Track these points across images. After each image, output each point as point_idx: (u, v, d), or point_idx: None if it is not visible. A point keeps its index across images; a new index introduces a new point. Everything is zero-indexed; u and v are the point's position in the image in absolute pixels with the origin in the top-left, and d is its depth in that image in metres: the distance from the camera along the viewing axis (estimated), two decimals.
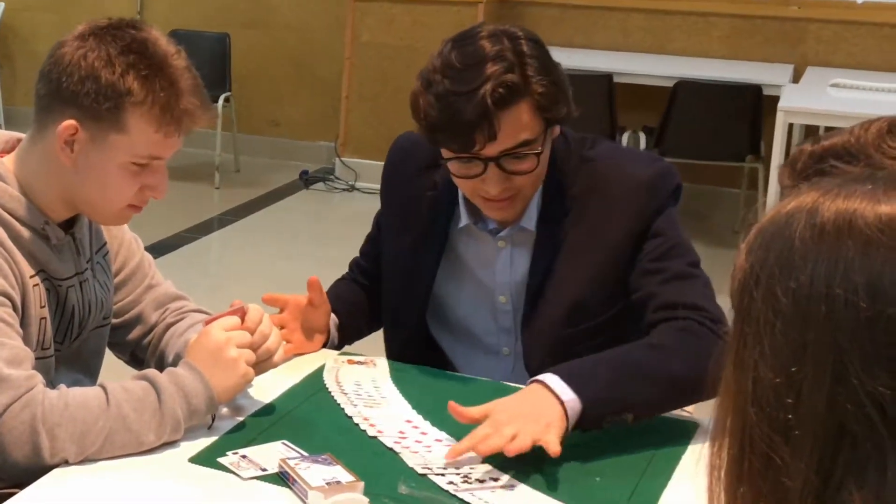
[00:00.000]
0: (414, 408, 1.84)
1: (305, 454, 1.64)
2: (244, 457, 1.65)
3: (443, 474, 1.62)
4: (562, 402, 1.68)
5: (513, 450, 1.60)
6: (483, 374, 2.04)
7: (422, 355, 2.07)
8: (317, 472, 1.57)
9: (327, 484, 1.54)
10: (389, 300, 2.13)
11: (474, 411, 1.68)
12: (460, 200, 2.00)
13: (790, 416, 0.80)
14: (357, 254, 2.27)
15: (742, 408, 0.83)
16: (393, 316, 2.14)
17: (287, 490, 1.57)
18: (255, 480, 1.60)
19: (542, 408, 1.68)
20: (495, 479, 1.62)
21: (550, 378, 1.72)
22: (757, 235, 0.86)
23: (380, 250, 2.16)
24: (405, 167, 2.09)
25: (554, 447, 1.60)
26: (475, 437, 1.63)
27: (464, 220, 2.01)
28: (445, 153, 1.87)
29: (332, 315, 2.10)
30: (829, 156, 1.27)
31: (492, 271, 2.03)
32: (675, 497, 1.61)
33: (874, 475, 0.78)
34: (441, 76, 1.81)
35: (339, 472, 1.57)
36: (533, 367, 1.99)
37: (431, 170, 2.02)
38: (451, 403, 1.68)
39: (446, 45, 1.85)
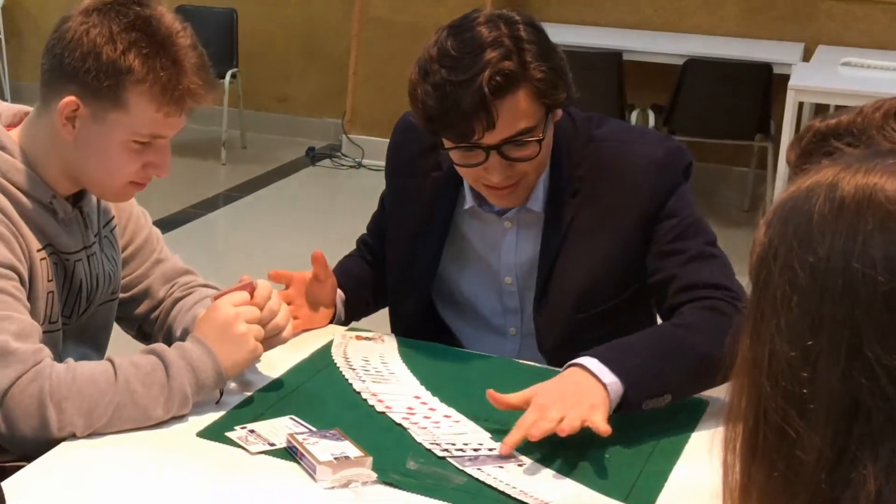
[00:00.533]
0: (422, 384, 1.84)
1: (313, 429, 1.64)
2: (252, 431, 1.64)
3: (450, 450, 1.62)
4: (604, 385, 1.67)
5: (565, 430, 1.58)
6: (491, 353, 2.03)
7: (425, 336, 2.06)
8: (325, 447, 1.56)
9: (335, 459, 1.54)
10: (393, 280, 2.12)
11: (513, 398, 1.66)
12: (465, 182, 1.99)
13: (805, 390, 0.80)
14: (363, 231, 2.26)
15: (757, 381, 0.83)
16: (397, 296, 2.13)
17: (295, 465, 1.57)
18: (263, 455, 1.59)
19: (584, 390, 1.66)
20: (504, 456, 1.61)
21: (589, 361, 1.70)
22: (776, 210, 0.86)
23: (379, 226, 2.15)
24: (409, 148, 2.07)
25: (603, 426, 1.59)
26: (524, 426, 1.60)
27: (469, 202, 2.00)
28: (446, 143, 1.85)
29: (339, 290, 2.10)
30: (832, 135, 1.27)
31: (497, 252, 2.02)
32: (685, 474, 1.61)
33: (887, 450, 0.78)
34: (438, 65, 1.78)
35: (348, 447, 1.57)
36: (547, 349, 1.98)
37: (435, 150, 2.00)
38: (490, 391, 1.67)
39: (442, 32, 1.83)
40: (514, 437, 1.60)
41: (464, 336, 2.11)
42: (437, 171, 2.02)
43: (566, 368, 1.73)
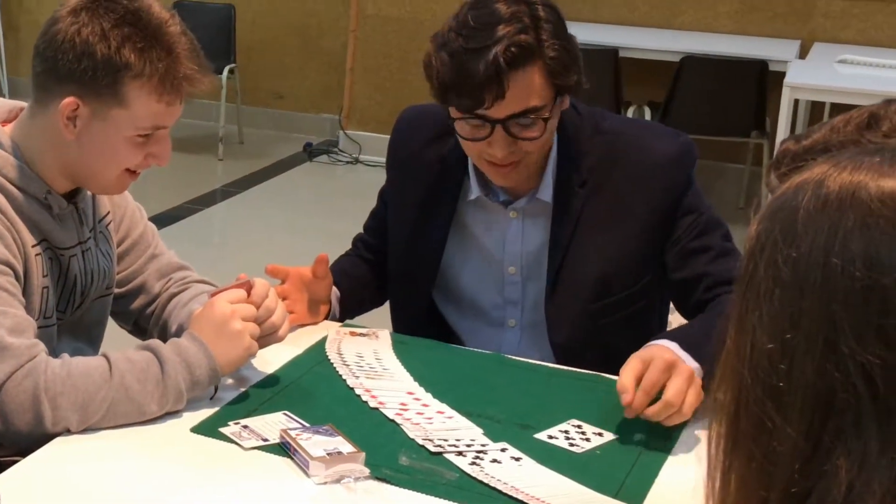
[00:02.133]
0: (416, 380, 1.84)
1: (307, 425, 1.65)
2: (246, 427, 1.65)
3: (443, 446, 1.63)
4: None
5: (676, 405, 1.64)
6: (489, 346, 2.05)
7: (429, 331, 2.08)
8: (318, 443, 1.57)
9: (328, 454, 1.54)
10: (395, 274, 2.13)
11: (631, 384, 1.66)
12: (470, 172, 2.00)
13: (782, 382, 0.81)
14: (360, 226, 2.27)
15: (739, 372, 0.85)
16: (399, 290, 2.14)
17: (288, 460, 1.57)
18: (256, 450, 1.60)
19: (679, 364, 1.68)
20: (496, 451, 1.62)
21: (671, 344, 1.73)
22: (768, 206, 0.87)
23: (384, 225, 2.16)
24: (412, 141, 2.08)
25: (687, 414, 1.65)
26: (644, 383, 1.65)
27: (475, 192, 2.01)
28: (454, 113, 1.87)
29: (334, 288, 2.10)
30: (810, 155, 1.29)
31: (501, 242, 2.03)
32: (675, 470, 1.61)
33: (859, 444, 0.79)
34: (455, 34, 1.81)
35: (341, 443, 1.58)
36: (559, 342, 2.00)
37: (438, 142, 2.02)
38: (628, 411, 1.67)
39: (462, 7, 1.86)
40: (628, 384, 1.65)
41: (461, 329, 2.12)
42: (441, 163, 2.04)
43: (648, 347, 1.73)
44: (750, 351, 0.84)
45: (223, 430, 1.64)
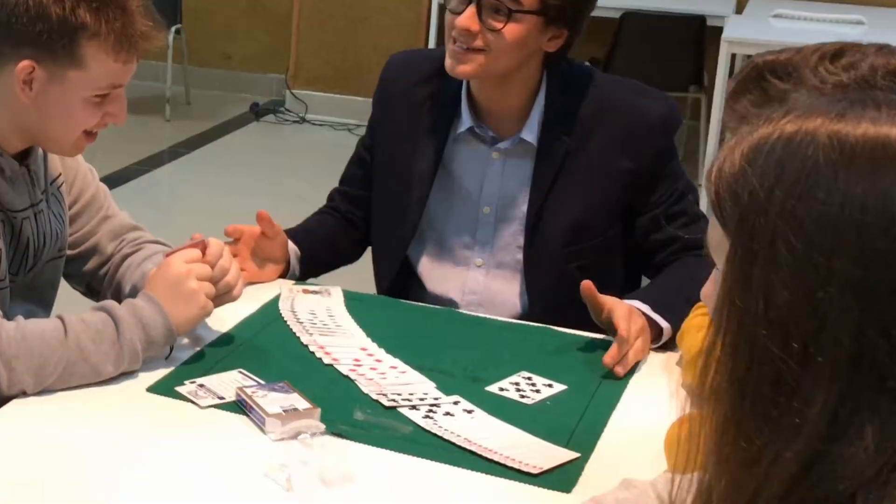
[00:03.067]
0: (368, 335, 1.87)
1: (262, 382, 1.67)
2: (202, 386, 1.67)
3: (397, 400, 1.66)
4: (660, 330, 1.86)
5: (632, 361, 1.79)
6: (453, 286, 2.10)
7: (404, 274, 2.13)
8: (274, 400, 1.59)
9: (284, 411, 1.57)
10: (382, 215, 2.16)
11: (603, 301, 1.81)
12: (463, 102, 2.05)
13: (810, 342, 0.78)
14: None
15: (750, 328, 0.81)
16: (384, 233, 2.17)
17: (244, 418, 1.60)
18: (212, 409, 1.62)
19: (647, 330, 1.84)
20: (449, 404, 1.66)
21: (644, 307, 1.85)
22: (758, 153, 0.83)
23: (366, 171, 2.19)
24: (402, 81, 2.14)
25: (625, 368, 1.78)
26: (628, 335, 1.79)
27: (465, 124, 2.06)
28: None
29: (295, 247, 2.12)
30: (767, 70, 1.31)
31: (480, 181, 2.08)
32: (623, 419, 1.66)
33: (888, 405, 0.78)
34: None
35: (296, 400, 1.60)
36: (534, 283, 2.06)
37: (429, 83, 2.08)
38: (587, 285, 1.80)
39: None
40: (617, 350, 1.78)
41: (425, 268, 2.15)
42: (432, 101, 2.09)
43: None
44: (764, 308, 0.80)
45: (179, 389, 1.66)
